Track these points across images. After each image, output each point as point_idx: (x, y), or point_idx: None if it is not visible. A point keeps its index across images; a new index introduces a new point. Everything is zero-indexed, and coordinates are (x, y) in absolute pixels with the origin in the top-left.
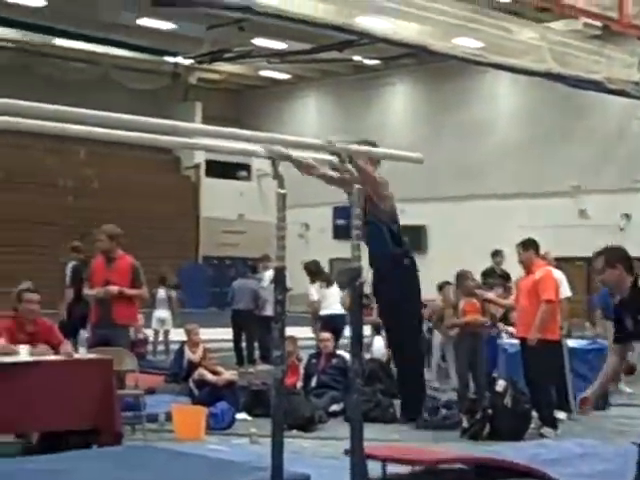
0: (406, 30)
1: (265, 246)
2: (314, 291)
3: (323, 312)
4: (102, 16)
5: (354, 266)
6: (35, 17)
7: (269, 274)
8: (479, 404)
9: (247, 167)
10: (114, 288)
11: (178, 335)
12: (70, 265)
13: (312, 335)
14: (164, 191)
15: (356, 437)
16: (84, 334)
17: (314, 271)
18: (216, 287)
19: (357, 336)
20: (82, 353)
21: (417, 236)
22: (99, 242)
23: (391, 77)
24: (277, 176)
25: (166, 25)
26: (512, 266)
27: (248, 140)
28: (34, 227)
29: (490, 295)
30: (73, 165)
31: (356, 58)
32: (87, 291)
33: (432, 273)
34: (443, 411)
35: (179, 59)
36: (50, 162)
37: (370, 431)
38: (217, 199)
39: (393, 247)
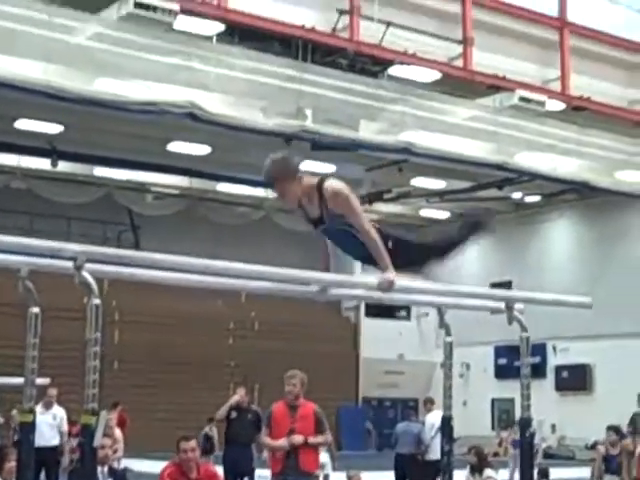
0: (566, 166)
1: (425, 386)
2: None
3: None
4: (264, 161)
5: (524, 416)
6: (200, 164)
7: (431, 417)
8: None
9: (406, 307)
10: (299, 438)
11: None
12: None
13: None
14: (324, 332)
15: None
16: None
17: None
18: (376, 428)
19: None
20: None
21: (582, 374)
22: (292, 387)
23: (552, 213)
24: (443, 325)
25: (326, 167)
26: None
27: (419, 292)
28: (203, 369)
29: None
30: (235, 307)
31: (516, 195)
32: (268, 441)
33: (598, 413)
34: None
35: None
36: (218, 305)
37: None
38: (377, 339)
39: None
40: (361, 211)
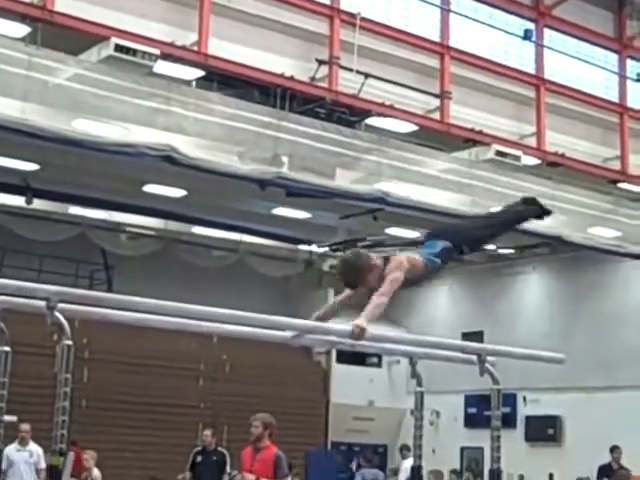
0: (541, 220)
1: (395, 432)
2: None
3: None
4: (239, 206)
5: (494, 468)
6: (176, 206)
7: (407, 463)
8: None
9: (378, 354)
10: (250, 477)
11: None
12: (194, 451)
13: None
14: (295, 376)
15: None
16: None
17: None
18: (343, 473)
19: None
20: None
21: (552, 426)
22: (254, 429)
23: (525, 266)
24: (415, 375)
25: (301, 214)
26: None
27: (391, 342)
28: (172, 410)
29: None
30: (207, 349)
31: (490, 247)
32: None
33: (568, 465)
34: None
35: (313, 247)
36: (189, 347)
37: None
38: (347, 385)
39: None
40: (396, 284)
